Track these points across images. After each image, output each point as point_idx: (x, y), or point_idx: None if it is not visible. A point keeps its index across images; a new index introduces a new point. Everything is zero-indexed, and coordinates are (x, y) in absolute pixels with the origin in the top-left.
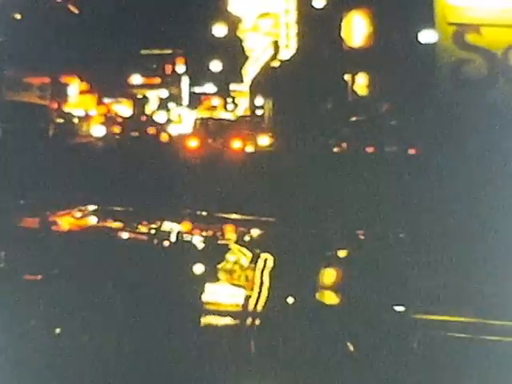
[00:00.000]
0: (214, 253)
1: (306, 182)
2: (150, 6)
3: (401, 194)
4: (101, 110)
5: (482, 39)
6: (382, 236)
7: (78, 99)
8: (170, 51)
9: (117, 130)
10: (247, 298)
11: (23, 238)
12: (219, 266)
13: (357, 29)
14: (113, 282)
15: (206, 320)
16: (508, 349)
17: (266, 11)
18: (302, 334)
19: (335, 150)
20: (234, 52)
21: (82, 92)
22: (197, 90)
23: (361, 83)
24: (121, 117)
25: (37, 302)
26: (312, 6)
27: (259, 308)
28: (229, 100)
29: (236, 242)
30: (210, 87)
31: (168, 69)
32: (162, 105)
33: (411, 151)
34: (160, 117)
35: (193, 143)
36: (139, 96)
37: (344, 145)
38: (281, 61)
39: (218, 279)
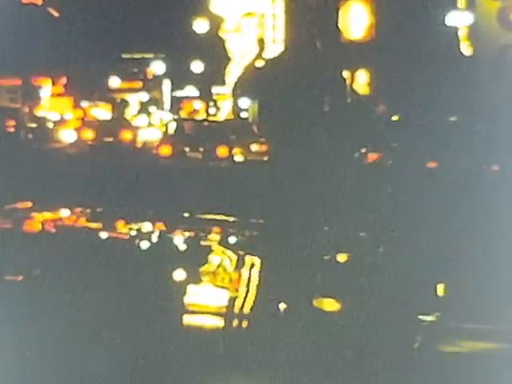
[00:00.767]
0: (197, 254)
1: (299, 185)
2: (132, 9)
3: (408, 197)
4: (77, 114)
5: None
6: (384, 238)
7: (52, 102)
8: (151, 55)
9: (93, 133)
10: (231, 299)
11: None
12: (202, 269)
13: (356, 18)
14: (95, 281)
15: (187, 322)
16: None
17: (251, 11)
18: (294, 340)
19: (330, 154)
20: (216, 53)
21: (56, 95)
22: (178, 93)
23: (361, 81)
24: (98, 120)
25: (18, 302)
26: None
27: (245, 311)
28: (211, 104)
29: (220, 244)
30: (191, 90)
31: (149, 72)
32: (143, 109)
33: (431, 164)
34: (140, 121)
35: (171, 147)
36: (118, 100)
37: (341, 149)
38: (266, 60)
39: (200, 281)
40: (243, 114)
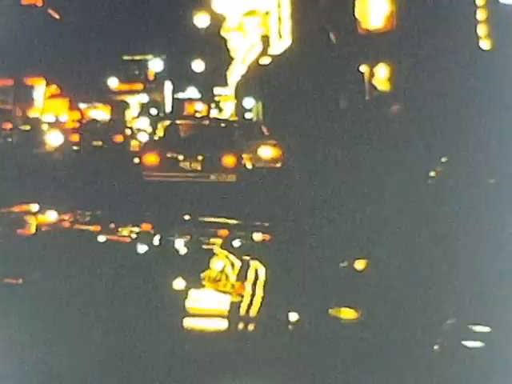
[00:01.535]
0: (198, 259)
1: (313, 187)
2: (133, 11)
3: (427, 201)
4: (73, 116)
5: None
6: (403, 244)
7: (47, 104)
8: (152, 56)
9: (90, 136)
10: (234, 304)
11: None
12: (203, 275)
13: (375, 5)
14: (94, 285)
15: (188, 325)
16: None
17: (253, 9)
18: (307, 347)
19: (346, 156)
20: (218, 54)
21: (52, 96)
22: (180, 95)
23: (381, 76)
24: (96, 122)
25: (18, 305)
26: None
27: (252, 314)
28: (213, 105)
29: (223, 248)
30: (193, 92)
31: (150, 74)
32: (143, 111)
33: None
34: (141, 123)
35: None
36: (118, 101)
37: (357, 151)
38: (272, 56)
39: (202, 286)
40: (247, 115)
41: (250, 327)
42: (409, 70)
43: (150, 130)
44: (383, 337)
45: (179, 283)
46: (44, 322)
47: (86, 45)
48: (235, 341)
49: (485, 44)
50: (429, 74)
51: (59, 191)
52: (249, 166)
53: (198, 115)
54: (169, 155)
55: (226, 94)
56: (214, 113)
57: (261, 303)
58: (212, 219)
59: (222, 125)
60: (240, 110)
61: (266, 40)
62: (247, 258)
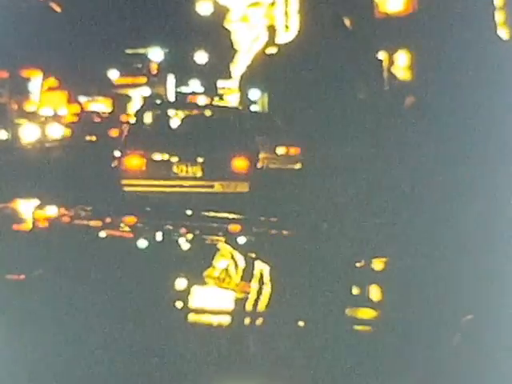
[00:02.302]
0: (202, 254)
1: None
2: (136, 4)
3: (452, 200)
4: (72, 109)
5: None
6: (424, 241)
7: (44, 96)
8: (155, 50)
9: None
10: (238, 301)
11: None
12: (206, 273)
13: None
14: (97, 280)
15: (192, 321)
16: None
17: (257, 0)
18: (320, 348)
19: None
20: (221, 45)
21: (50, 89)
22: (183, 89)
23: (402, 64)
24: (98, 116)
25: (20, 301)
26: None
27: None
28: (216, 98)
29: (227, 243)
30: (196, 85)
31: (153, 68)
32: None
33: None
34: (144, 116)
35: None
36: (120, 94)
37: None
38: (279, 45)
39: (205, 283)
40: (253, 108)
41: (257, 324)
42: (430, 56)
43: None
44: (401, 335)
45: (183, 280)
46: (49, 318)
47: (86, 38)
48: (239, 338)
49: (502, 32)
50: (450, 61)
51: (56, 186)
52: (264, 169)
53: (199, 102)
54: (158, 157)
55: (229, 86)
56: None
57: (269, 300)
58: (213, 213)
59: (230, 116)
60: (245, 102)
61: (272, 30)
62: (253, 255)
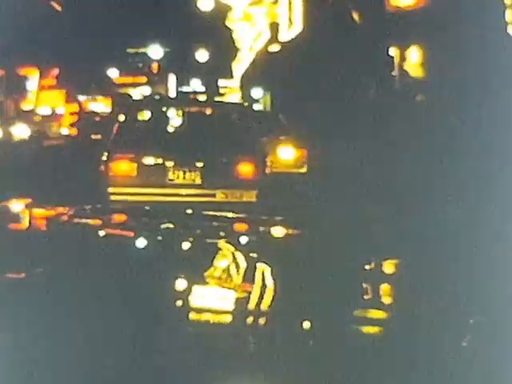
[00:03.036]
0: (202, 254)
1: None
2: (137, 3)
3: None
4: (71, 109)
5: None
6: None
7: (42, 95)
8: (156, 49)
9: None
10: (239, 300)
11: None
12: (207, 273)
13: None
14: (97, 279)
15: (192, 319)
16: None
17: None
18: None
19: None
20: (223, 44)
21: (48, 87)
22: (185, 89)
23: (414, 60)
24: (98, 116)
25: (21, 301)
26: None
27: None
28: (217, 98)
29: (228, 243)
30: (198, 84)
31: (154, 67)
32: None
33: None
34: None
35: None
36: (120, 94)
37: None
38: (282, 42)
39: (206, 283)
40: (255, 107)
41: (260, 324)
42: (445, 53)
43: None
44: (411, 337)
45: (184, 279)
46: (49, 316)
47: (87, 36)
48: (241, 337)
49: None
50: (462, 58)
51: (53, 185)
52: (271, 173)
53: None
54: (151, 160)
55: (231, 85)
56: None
57: (272, 300)
58: (214, 212)
59: (234, 113)
60: (247, 101)
61: (274, 27)
62: (254, 255)
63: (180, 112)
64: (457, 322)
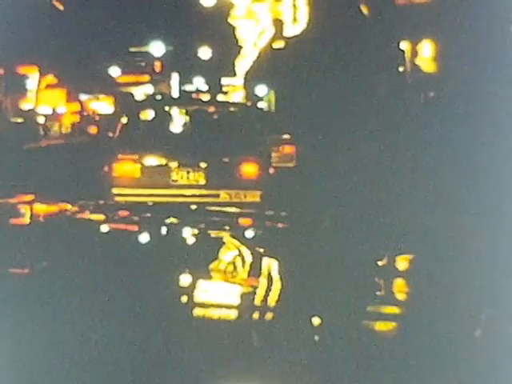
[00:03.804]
0: (206, 248)
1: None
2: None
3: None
4: (72, 108)
5: None
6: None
7: (42, 94)
8: (159, 47)
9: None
10: (244, 295)
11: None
12: (211, 267)
13: None
14: (101, 274)
15: (197, 315)
16: None
17: None
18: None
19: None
20: (225, 42)
21: (48, 86)
22: (188, 87)
23: (425, 55)
24: (99, 115)
25: (24, 296)
26: None
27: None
28: (221, 96)
29: (233, 237)
30: (201, 83)
31: (157, 66)
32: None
33: None
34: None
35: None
36: (122, 92)
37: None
38: (286, 38)
39: (210, 277)
40: (260, 105)
41: (266, 319)
42: (457, 47)
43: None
44: (424, 332)
45: (188, 274)
46: (53, 311)
47: (89, 35)
48: (246, 332)
49: None
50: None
51: (55, 183)
52: (275, 173)
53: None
54: (154, 161)
55: (234, 84)
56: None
57: (279, 295)
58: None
59: (237, 113)
60: (251, 99)
61: (278, 23)
62: (261, 249)
63: (183, 112)
64: (469, 317)
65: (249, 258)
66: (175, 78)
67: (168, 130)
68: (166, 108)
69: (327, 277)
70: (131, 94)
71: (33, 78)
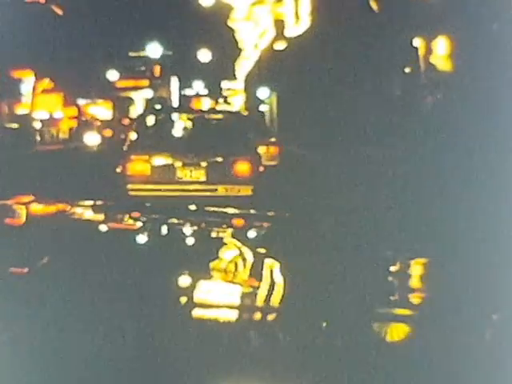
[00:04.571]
0: (207, 248)
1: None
2: (138, 6)
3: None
4: (69, 112)
5: None
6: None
7: (39, 99)
8: (158, 52)
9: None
10: (245, 295)
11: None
12: (211, 266)
13: None
14: (101, 274)
15: (197, 316)
16: None
17: None
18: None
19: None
20: (225, 46)
21: (44, 91)
22: (187, 92)
23: (442, 52)
24: (98, 120)
25: (23, 296)
26: None
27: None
28: (221, 100)
29: (234, 237)
30: (200, 87)
31: (156, 70)
32: (149, 107)
33: None
34: (147, 120)
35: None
36: (121, 97)
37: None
38: (288, 39)
39: (211, 276)
40: (261, 108)
41: (267, 320)
42: (475, 44)
43: (137, 125)
44: (436, 336)
45: (188, 274)
46: (53, 311)
47: (88, 40)
48: (247, 333)
49: None
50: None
51: (56, 184)
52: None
53: (203, 108)
54: (162, 161)
55: (234, 87)
56: (222, 108)
57: (282, 297)
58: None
59: (232, 120)
60: (253, 102)
61: (280, 23)
62: (263, 250)
63: (185, 118)
64: (481, 318)
65: (250, 258)
66: (175, 82)
67: (173, 136)
68: (172, 116)
69: (333, 278)
70: (130, 99)
71: (28, 81)
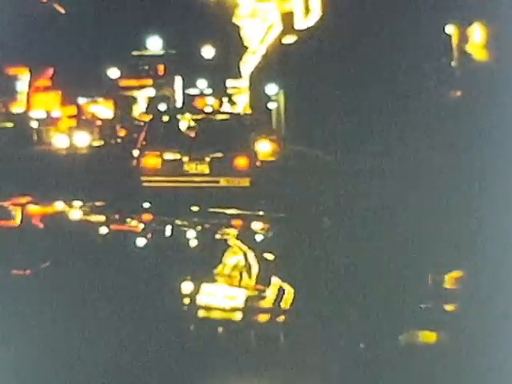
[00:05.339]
0: (212, 251)
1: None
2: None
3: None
4: (68, 111)
5: None
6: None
7: (35, 98)
8: (162, 52)
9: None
10: (249, 299)
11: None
12: (216, 271)
13: None
14: (105, 276)
15: (201, 317)
16: None
17: None
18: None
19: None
20: (230, 43)
21: (42, 89)
22: (191, 91)
23: (478, 40)
24: (99, 119)
25: (26, 297)
26: None
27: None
28: (225, 99)
29: (238, 239)
30: (204, 86)
31: (160, 69)
32: (152, 106)
33: None
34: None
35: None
36: (123, 96)
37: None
38: (298, 31)
39: (214, 280)
40: (270, 105)
41: (271, 323)
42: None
43: (149, 123)
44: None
45: (192, 277)
46: (55, 313)
47: (90, 39)
48: (250, 336)
49: None
50: None
51: (58, 184)
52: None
53: (206, 109)
54: (171, 156)
55: (239, 86)
56: (226, 107)
57: (292, 302)
58: (220, 209)
59: (233, 120)
60: (258, 100)
61: (289, 17)
62: (269, 254)
63: (191, 119)
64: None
65: (255, 265)
66: (178, 81)
67: (181, 133)
68: (178, 116)
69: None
70: (133, 97)
71: (23, 79)
